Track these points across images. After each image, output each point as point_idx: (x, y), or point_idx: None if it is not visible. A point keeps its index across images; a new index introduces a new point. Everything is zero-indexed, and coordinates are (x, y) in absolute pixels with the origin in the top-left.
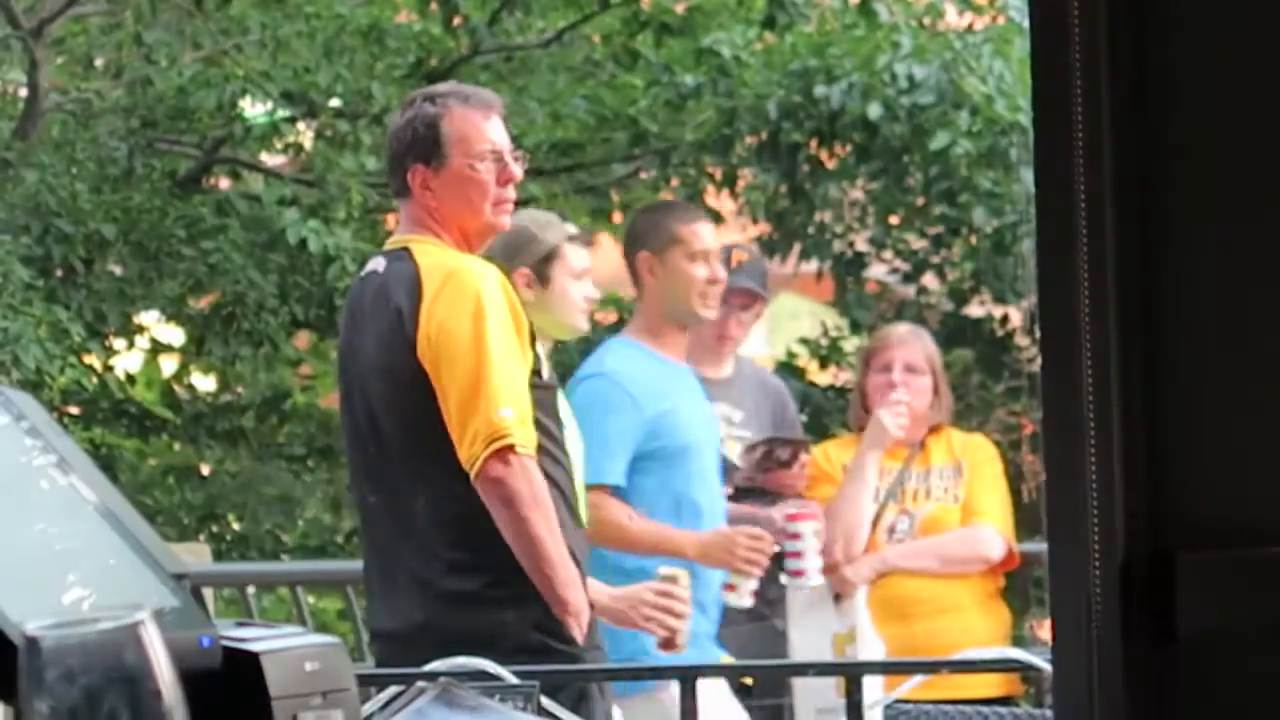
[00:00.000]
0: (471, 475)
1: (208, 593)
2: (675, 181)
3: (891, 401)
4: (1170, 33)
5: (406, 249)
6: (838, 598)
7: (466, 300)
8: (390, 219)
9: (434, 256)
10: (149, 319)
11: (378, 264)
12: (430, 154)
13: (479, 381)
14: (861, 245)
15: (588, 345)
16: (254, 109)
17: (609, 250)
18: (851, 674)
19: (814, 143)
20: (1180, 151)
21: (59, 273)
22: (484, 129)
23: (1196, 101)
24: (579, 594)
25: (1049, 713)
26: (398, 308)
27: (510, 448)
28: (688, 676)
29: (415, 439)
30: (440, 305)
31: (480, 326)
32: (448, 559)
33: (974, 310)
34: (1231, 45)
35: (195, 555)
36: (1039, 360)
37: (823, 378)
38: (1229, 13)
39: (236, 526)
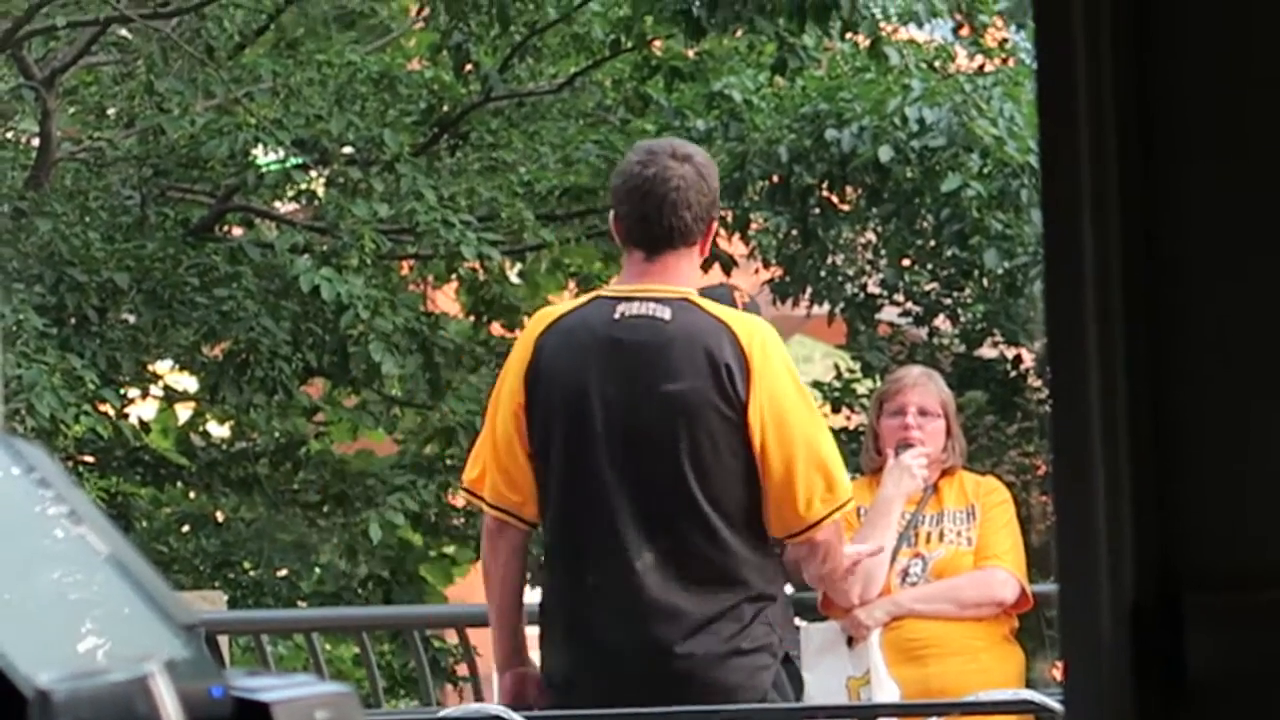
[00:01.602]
0: (800, 531)
1: (223, 640)
2: None
3: (916, 452)
4: (1174, 75)
5: (690, 300)
6: (851, 641)
7: (786, 363)
8: (405, 266)
9: (722, 311)
10: (163, 367)
11: (654, 309)
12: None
13: (820, 445)
14: (873, 288)
15: None
16: (266, 157)
17: None
18: (866, 716)
19: (825, 186)
20: (1186, 192)
21: (72, 321)
22: None
23: (1202, 142)
24: None
25: None
26: (725, 364)
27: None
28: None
29: (700, 490)
30: (770, 367)
31: (804, 391)
32: (706, 612)
33: (986, 352)
34: (1236, 85)
35: (210, 603)
36: (1050, 401)
37: (836, 420)
38: (1233, 54)
39: (251, 573)
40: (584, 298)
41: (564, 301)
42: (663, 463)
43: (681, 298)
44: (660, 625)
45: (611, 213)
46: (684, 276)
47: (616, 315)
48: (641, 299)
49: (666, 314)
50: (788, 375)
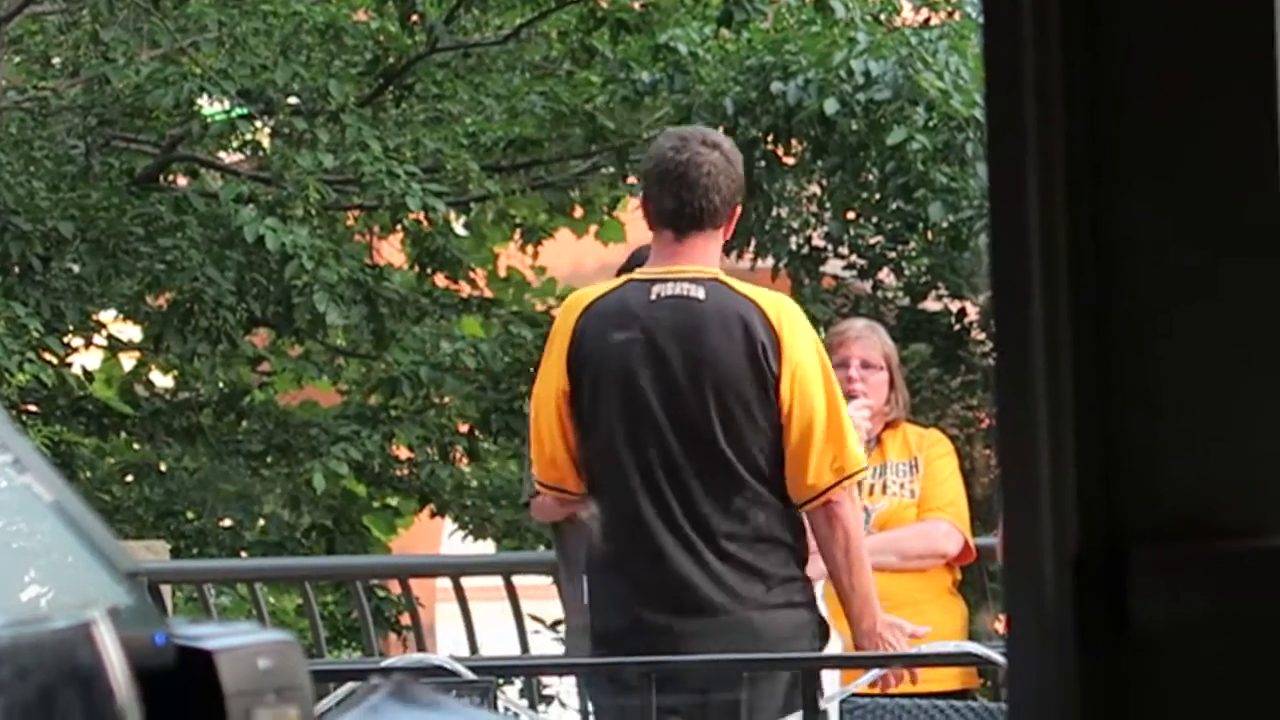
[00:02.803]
0: (812, 498)
1: (166, 590)
2: (632, 179)
3: (859, 404)
4: (1123, 25)
5: (720, 280)
6: None
7: (812, 339)
8: (350, 217)
9: (750, 290)
10: (107, 316)
11: (689, 289)
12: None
13: (836, 417)
14: (818, 241)
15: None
16: (211, 107)
17: (566, 244)
18: (809, 668)
19: (770, 139)
20: (1133, 143)
21: (16, 270)
22: None
23: (1149, 92)
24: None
25: (1005, 706)
26: (760, 341)
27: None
28: (656, 671)
29: (736, 459)
30: (797, 341)
31: (826, 363)
32: (742, 566)
33: (930, 305)
34: (1185, 38)
35: (153, 552)
36: (994, 354)
37: None
38: (1184, 14)
39: (195, 523)
40: (617, 280)
41: (594, 286)
42: (703, 433)
43: (713, 278)
44: (708, 587)
45: (641, 195)
46: (710, 257)
47: (653, 296)
48: (675, 279)
49: (701, 294)
50: (812, 348)
